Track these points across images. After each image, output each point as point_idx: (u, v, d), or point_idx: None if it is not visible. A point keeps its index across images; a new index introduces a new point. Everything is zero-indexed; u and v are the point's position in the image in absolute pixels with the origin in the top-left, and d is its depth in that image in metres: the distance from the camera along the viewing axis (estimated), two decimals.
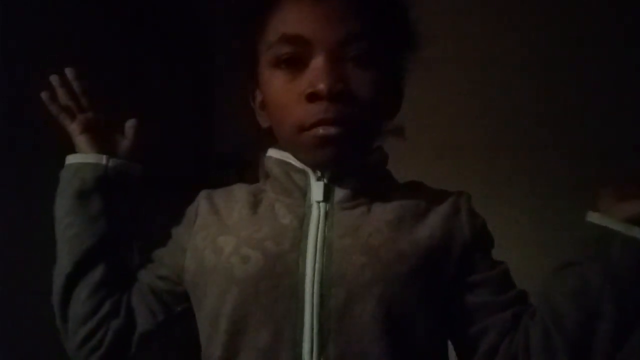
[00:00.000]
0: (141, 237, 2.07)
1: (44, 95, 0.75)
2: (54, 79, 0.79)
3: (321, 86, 0.61)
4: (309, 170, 0.70)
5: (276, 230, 0.66)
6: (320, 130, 0.63)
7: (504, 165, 1.67)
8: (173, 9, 2.34)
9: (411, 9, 0.71)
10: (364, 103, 0.64)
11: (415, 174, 0.78)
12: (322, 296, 0.61)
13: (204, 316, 0.68)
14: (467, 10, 1.73)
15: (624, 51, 1.58)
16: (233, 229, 0.69)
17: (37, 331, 1.61)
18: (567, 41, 1.61)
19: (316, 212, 0.67)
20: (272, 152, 0.75)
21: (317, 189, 0.68)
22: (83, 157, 0.70)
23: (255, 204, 0.72)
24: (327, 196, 0.68)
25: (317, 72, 0.62)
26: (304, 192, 0.69)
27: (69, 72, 0.77)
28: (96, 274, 0.71)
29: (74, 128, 0.77)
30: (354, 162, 0.69)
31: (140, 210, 2.12)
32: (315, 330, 0.60)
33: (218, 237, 0.70)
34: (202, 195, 0.81)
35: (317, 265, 0.63)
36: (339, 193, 0.69)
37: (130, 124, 0.75)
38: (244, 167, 2.57)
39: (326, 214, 0.67)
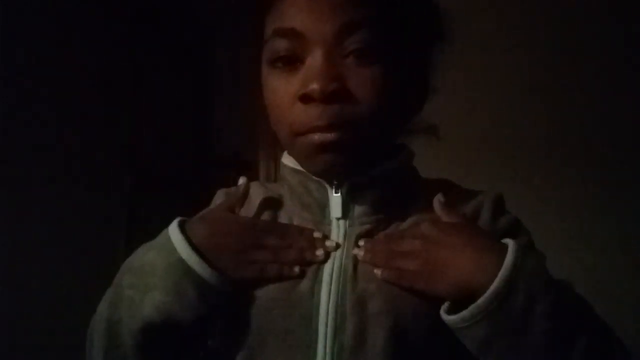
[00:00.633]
0: (141, 238, 2.07)
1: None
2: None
3: (314, 86, 0.54)
4: (325, 182, 0.62)
5: None
6: (316, 137, 0.56)
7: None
8: (173, 9, 2.34)
9: None
10: (366, 103, 0.56)
11: (444, 170, 0.72)
12: (335, 328, 0.55)
13: (220, 340, 0.62)
14: None
15: None
16: None
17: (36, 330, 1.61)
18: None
19: (335, 232, 0.61)
20: (286, 160, 0.67)
21: (335, 204, 0.61)
22: (207, 273, 0.56)
23: (273, 214, 0.66)
24: (347, 212, 0.62)
25: (311, 71, 0.56)
26: (323, 207, 0.62)
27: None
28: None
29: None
30: (365, 168, 0.61)
31: (140, 211, 2.11)
32: None
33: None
34: (220, 194, 0.73)
35: (332, 294, 0.57)
36: (358, 208, 0.62)
37: None
38: (243, 168, 2.57)
39: (345, 233, 0.61)
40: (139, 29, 2.13)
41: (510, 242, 0.54)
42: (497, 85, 1.64)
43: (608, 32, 1.57)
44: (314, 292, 0.57)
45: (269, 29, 0.60)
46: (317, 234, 0.61)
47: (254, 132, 1.68)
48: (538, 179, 1.58)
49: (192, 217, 0.66)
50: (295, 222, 0.64)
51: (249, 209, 0.67)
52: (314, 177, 0.63)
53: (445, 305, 0.55)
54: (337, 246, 0.60)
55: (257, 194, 0.69)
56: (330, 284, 0.57)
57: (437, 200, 0.60)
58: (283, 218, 0.65)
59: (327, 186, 0.62)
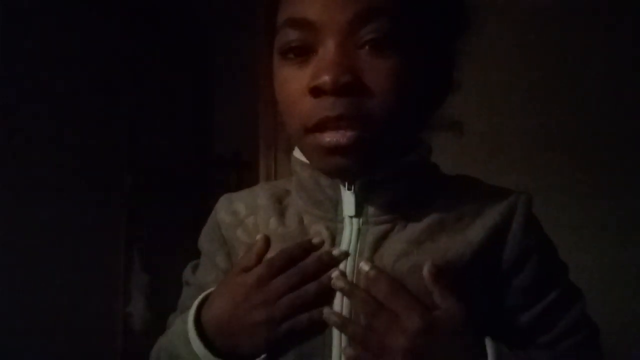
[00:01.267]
0: (141, 239, 2.07)
1: None
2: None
3: (325, 78, 0.51)
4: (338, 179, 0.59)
5: None
6: (327, 138, 0.53)
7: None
8: (173, 9, 2.34)
9: None
10: (381, 96, 0.52)
11: (464, 167, 0.68)
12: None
13: None
14: None
15: None
16: None
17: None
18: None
19: (348, 230, 0.58)
20: (298, 153, 0.63)
21: (348, 202, 0.58)
22: None
23: (281, 213, 0.63)
24: (360, 210, 0.58)
25: (323, 62, 0.52)
26: (335, 204, 0.59)
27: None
28: None
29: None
30: (380, 164, 0.58)
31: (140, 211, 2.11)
32: None
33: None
34: (223, 202, 0.69)
35: (344, 301, 0.55)
36: (372, 205, 0.58)
37: None
38: (243, 168, 2.57)
39: (359, 231, 0.58)
40: (139, 29, 2.13)
41: (489, 346, 0.52)
42: (509, 81, 1.63)
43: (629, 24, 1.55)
44: (327, 293, 0.56)
45: (280, 18, 0.57)
46: (316, 240, 0.58)
47: (254, 132, 1.68)
48: (546, 175, 1.56)
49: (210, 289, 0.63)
50: (306, 220, 0.61)
51: (257, 210, 0.65)
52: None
53: None
54: (346, 255, 0.57)
55: (264, 193, 0.66)
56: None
57: (427, 271, 0.54)
58: (291, 216, 0.62)
59: (340, 183, 0.59)
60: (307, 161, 0.61)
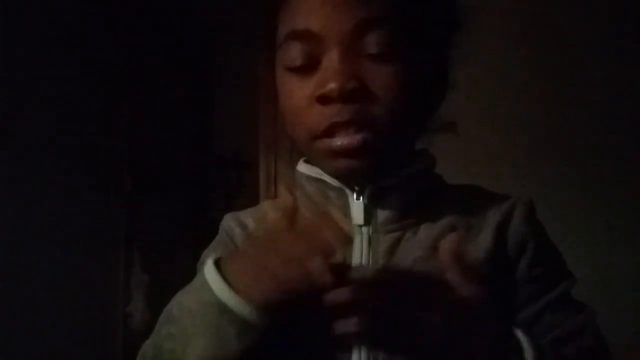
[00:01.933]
0: (141, 239, 2.07)
1: None
2: None
3: (332, 86, 0.53)
4: (346, 188, 0.60)
5: None
6: (337, 142, 0.54)
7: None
8: (173, 10, 2.34)
9: None
10: (388, 101, 0.54)
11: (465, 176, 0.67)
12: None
13: None
14: None
15: None
16: None
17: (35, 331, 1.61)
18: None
19: (359, 239, 0.59)
20: (302, 167, 0.64)
21: (357, 211, 0.59)
22: (247, 312, 0.49)
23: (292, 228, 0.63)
24: (369, 218, 0.59)
25: (328, 71, 0.54)
26: (344, 214, 0.60)
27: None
28: None
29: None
30: (388, 172, 0.59)
31: (140, 211, 2.11)
32: None
33: None
34: (230, 218, 0.69)
35: None
36: (382, 213, 0.59)
37: None
38: (243, 168, 2.57)
39: (369, 239, 0.59)
40: (139, 30, 2.13)
41: (525, 347, 0.50)
42: (510, 83, 1.63)
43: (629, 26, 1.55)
44: None
45: (282, 32, 0.58)
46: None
47: (254, 132, 1.68)
48: (548, 179, 1.56)
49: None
50: None
51: (268, 226, 0.65)
52: (333, 184, 0.61)
53: None
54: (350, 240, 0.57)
55: (273, 211, 0.67)
56: None
57: (446, 249, 0.50)
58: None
59: (348, 192, 0.60)
60: (312, 174, 0.62)
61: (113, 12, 1.99)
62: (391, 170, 0.59)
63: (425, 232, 0.59)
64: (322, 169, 0.60)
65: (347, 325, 0.49)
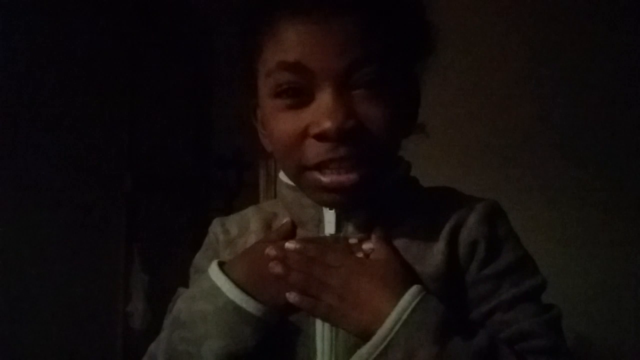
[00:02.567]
0: (141, 239, 2.07)
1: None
2: None
3: (329, 125, 0.54)
4: None
5: None
6: (327, 179, 0.56)
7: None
8: (173, 10, 2.34)
9: (425, 13, 0.62)
10: (381, 137, 0.57)
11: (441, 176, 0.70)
12: (330, 339, 0.58)
13: None
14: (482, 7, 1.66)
15: None
16: None
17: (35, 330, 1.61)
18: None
19: None
20: (282, 176, 0.67)
21: (329, 221, 0.63)
22: (257, 309, 0.58)
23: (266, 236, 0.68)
24: (340, 228, 0.62)
25: (323, 108, 0.55)
26: (318, 223, 0.63)
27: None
28: None
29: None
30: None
31: (140, 211, 2.11)
32: None
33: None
34: (216, 224, 0.73)
35: None
36: (351, 224, 0.62)
37: None
38: (243, 168, 2.57)
39: None
40: (138, 28, 2.13)
41: (407, 293, 0.54)
42: (494, 88, 1.64)
43: (611, 32, 1.56)
44: None
45: (271, 59, 0.58)
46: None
47: (254, 132, 1.68)
48: (535, 180, 1.57)
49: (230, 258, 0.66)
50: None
51: (248, 233, 0.69)
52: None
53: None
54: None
55: (254, 216, 0.71)
56: None
57: (373, 234, 0.61)
58: None
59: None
60: (291, 183, 0.64)
61: (113, 11, 2.00)
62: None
63: (392, 237, 0.62)
64: (309, 195, 0.63)
65: (291, 296, 0.57)
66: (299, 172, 0.59)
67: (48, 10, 1.73)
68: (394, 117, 0.57)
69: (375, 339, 0.53)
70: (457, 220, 0.61)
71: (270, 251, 0.60)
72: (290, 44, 0.56)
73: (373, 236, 0.61)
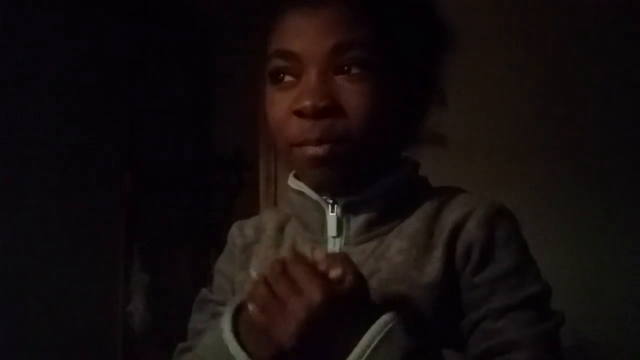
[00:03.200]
0: (141, 238, 2.07)
1: None
2: None
3: (306, 103, 0.59)
4: (322, 201, 0.65)
5: None
6: (309, 151, 0.60)
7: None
8: (174, 9, 2.34)
9: (432, 8, 0.65)
10: (356, 116, 0.59)
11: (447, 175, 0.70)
12: None
13: None
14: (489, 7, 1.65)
15: None
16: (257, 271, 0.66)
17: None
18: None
19: (331, 249, 0.64)
20: (291, 181, 0.69)
21: (331, 223, 0.65)
22: None
23: (280, 241, 0.70)
24: (341, 230, 0.64)
25: (304, 88, 0.60)
26: (321, 226, 0.65)
27: None
28: None
29: None
30: (361, 186, 0.63)
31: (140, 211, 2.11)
32: None
33: (247, 284, 0.66)
34: (235, 228, 0.75)
35: None
36: (354, 225, 0.64)
37: None
38: (243, 168, 2.57)
39: (340, 250, 0.64)
40: (139, 29, 2.13)
41: (371, 329, 0.51)
42: (500, 89, 1.64)
43: (615, 34, 1.56)
44: None
45: (271, 48, 0.64)
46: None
47: (254, 132, 1.68)
48: (540, 183, 1.57)
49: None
50: (298, 241, 0.68)
51: (264, 236, 0.71)
52: (312, 198, 0.65)
53: None
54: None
55: (270, 220, 0.73)
56: None
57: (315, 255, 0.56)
58: (287, 243, 0.69)
59: (324, 204, 0.65)
60: (295, 187, 0.67)
61: (114, 11, 2.00)
62: (368, 181, 0.63)
63: (388, 245, 0.62)
64: (302, 179, 0.66)
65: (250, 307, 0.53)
66: (288, 150, 0.62)
67: (49, 9, 1.73)
68: (375, 102, 0.60)
69: None
70: (457, 223, 0.61)
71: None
72: (286, 33, 0.62)
73: (338, 262, 0.55)
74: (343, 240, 0.64)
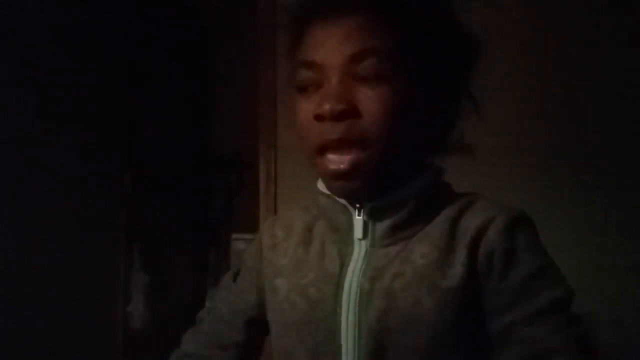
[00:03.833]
0: (141, 238, 2.08)
1: None
2: None
3: (326, 107, 0.61)
4: (349, 205, 0.68)
5: (320, 275, 0.67)
6: (330, 165, 0.63)
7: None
8: (174, 10, 2.34)
9: (453, 17, 0.67)
10: (373, 120, 0.62)
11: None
12: (355, 343, 0.62)
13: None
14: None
15: None
16: (285, 271, 0.71)
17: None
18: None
19: (357, 252, 0.67)
20: (319, 184, 0.72)
21: (357, 226, 0.67)
22: None
23: (309, 241, 0.73)
24: (367, 233, 0.67)
25: (325, 94, 0.63)
26: (349, 229, 0.68)
27: None
28: None
29: None
30: (387, 190, 0.66)
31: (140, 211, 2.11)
32: None
33: (275, 279, 0.72)
34: (266, 226, 0.79)
35: (350, 311, 0.63)
36: (380, 228, 0.66)
37: None
38: (243, 168, 2.57)
39: (366, 252, 0.66)
40: (140, 29, 2.13)
41: None
42: (495, 87, 1.63)
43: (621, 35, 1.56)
44: (336, 310, 0.64)
45: (297, 58, 0.68)
46: None
47: (254, 132, 1.68)
48: (548, 185, 1.57)
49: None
50: (326, 244, 0.70)
51: (293, 234, 0.74)
52: (340, 201, 0.68)
53: None
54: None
55: (299, 219, 0.75)
56: (349, 302, 0.64)
57: None
58: (316, 242, 0.72)
59: (351, 208, 0.68)
60: (326, 191, 0.69)
61: (114, 11, 2.00)
62: (393, 186, 0.66)
63: (412, 249, 0.65)
64: (327, 187, 0.68)
65: None
66: (313, 156, 0.65)
67: (50, 10, 1.73)
68: (393, 107, 0.62)
69: None
70: (479, 230, 0.63)
71: None
72: (310, 44, 0.66)
73: None
74: (369, 242, 0.66)
